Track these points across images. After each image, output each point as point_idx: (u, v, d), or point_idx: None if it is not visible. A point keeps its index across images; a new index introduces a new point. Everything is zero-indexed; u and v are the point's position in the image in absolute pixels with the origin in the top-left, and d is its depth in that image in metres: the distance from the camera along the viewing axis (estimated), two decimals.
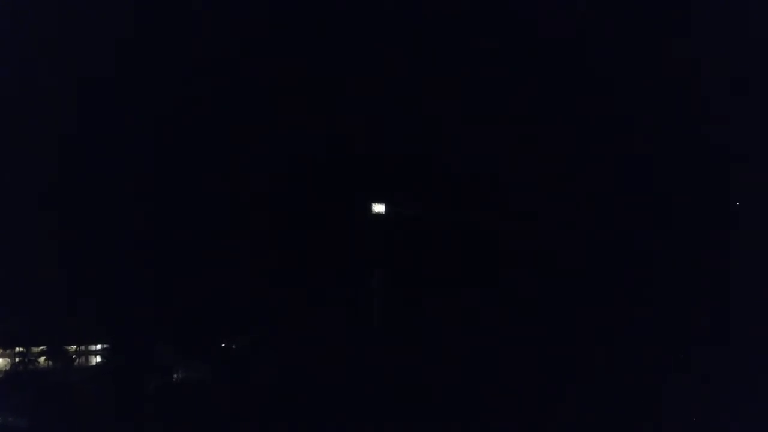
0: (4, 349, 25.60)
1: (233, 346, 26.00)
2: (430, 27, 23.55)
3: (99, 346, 26.01)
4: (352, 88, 23.92)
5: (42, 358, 25.71)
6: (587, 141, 23.46)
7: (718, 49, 22.34)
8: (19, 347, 25.64)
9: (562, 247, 23.63)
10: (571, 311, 23.29)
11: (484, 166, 23.90)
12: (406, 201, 24.54)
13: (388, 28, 23.73)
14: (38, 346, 25.67)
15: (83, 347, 26.87)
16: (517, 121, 23.48)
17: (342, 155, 24.11)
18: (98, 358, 26.15)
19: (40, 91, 23.80)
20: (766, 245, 22.72)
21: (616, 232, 23.70)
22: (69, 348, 26.46)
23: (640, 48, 23.16)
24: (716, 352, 22.34)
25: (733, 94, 22.40)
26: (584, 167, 23.61)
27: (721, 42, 22.32)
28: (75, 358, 26.70)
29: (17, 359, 25.57)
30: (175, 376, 25.03)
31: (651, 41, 23.07)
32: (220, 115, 24.32)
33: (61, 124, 23.89)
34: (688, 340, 22.81)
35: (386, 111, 23.97)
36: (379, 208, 24.57)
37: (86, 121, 24.08)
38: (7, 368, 25.41)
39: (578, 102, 23.44)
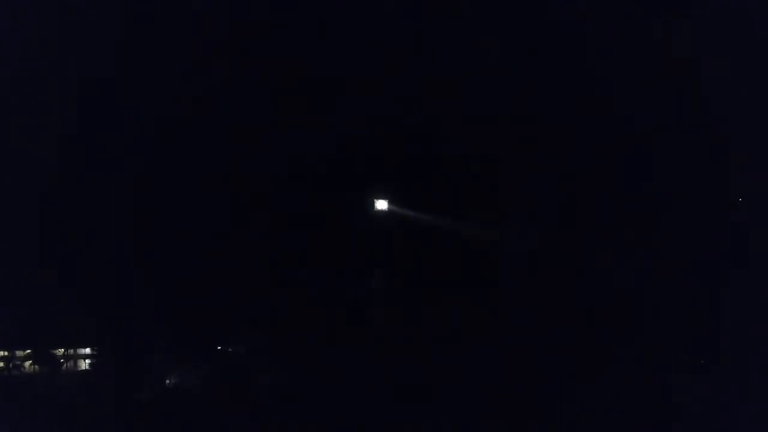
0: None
1: (231, 347, 26.06)
2: (430, 27, 23.50)
3: (95, 349, 26.06)
4: (352, 88, 23.88)
5: (36, 360, 25.81)
6: (587, 141, 23.38)
7: (719, 49, 22.28)
8: (14, 348, 25.72)
9: (562, 247, 23.58)
10: (570, 312, 23.27)
11: (484, 166, 23.85)
12: (406, 201, 24.58)
13: (388, 28, 23.71)
14: (34, 347, 25.76)
15: (78, 350, 26.97)
16: (517, 121, 23.42)
17: (342, 155, 24.05)
18: (94, 361, 26.18)
19: (40, 91, 23.76)
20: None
21: (615, 232, 23.66)
22: (65, 350, 26.60)
23: (640, 48, 23.09)
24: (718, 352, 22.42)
25: (734, 93, 22.32)
26: (584, 167, 23.56)
27: (722, 42, 22.25)
28: (70, 360, 26.79)
29: (10, 363, 25.72)
30: (174, 378, 25.01)
31: (651, 41, 22.99)
32: (219, 115, 24.29)
33: (61, 124, 23.84)
34: (690, 340, 22.75)
35: (386, 111, 23.93)
36: (379, 207, 24.63)
37: (86, 121, 24.04)
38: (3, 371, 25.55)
39: (578, 102, 23.36)
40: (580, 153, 23.45)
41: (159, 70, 24.08)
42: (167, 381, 25.04)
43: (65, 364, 26.60)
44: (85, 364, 26.81)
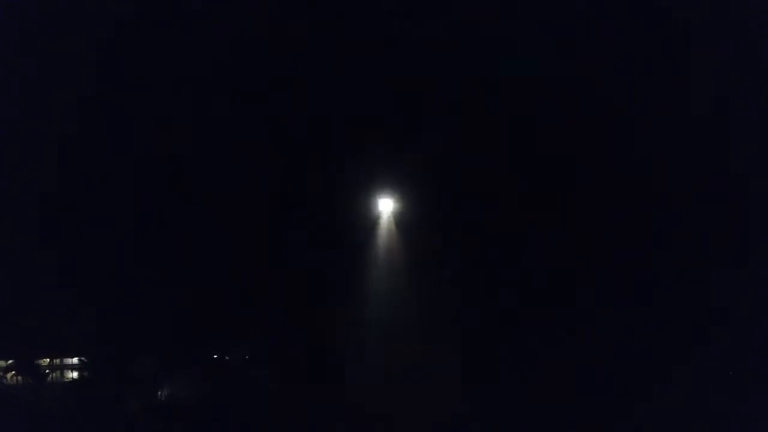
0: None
1: (227, 356, 25.64)
2: (431, 26, 23.67)
3: (82, 358, 25.34)
4: (352, 87, 23.91)
5: (19, 371, 25.01)
6: (589, 141, 23.58)
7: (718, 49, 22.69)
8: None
9: (564, 246, 23.65)
10: (577, 310, 23.25)
11: (485, 164, 23.92)
12: (407, 200, 24.55)
13: (389, 28, 23.84)
14: (18, 356, 24.95)
15: (65, 359, 26.33)
16: (518, 120, 23.60)
17: (343, 154, 23.98)
18: (83, 370, 25.44)
19: (40, 92, 23.36)
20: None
21: (616, 232, 23.78)
22: (50, 359, 25.91)
23: (639, 49, 23.45)
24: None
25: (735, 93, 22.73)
26: (586, 167, 23.75)
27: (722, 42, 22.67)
28: (56, 370, 26.10)
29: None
30: (166, 387, 24.43)
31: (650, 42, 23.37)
32: (218, 115, 24.10)
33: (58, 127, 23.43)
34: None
35: (387, 111, 23.99)
36: (381, 206, 24.59)
37: (79, 125, 23.64)
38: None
39: (578, 102, 23.60)
40: (582, 152, 23.61)
41: (158, 70, 23.86)
42: (159, 392, 24.44)
43: (51, 375, 25.92)
44: (72, 374, 26.13)
